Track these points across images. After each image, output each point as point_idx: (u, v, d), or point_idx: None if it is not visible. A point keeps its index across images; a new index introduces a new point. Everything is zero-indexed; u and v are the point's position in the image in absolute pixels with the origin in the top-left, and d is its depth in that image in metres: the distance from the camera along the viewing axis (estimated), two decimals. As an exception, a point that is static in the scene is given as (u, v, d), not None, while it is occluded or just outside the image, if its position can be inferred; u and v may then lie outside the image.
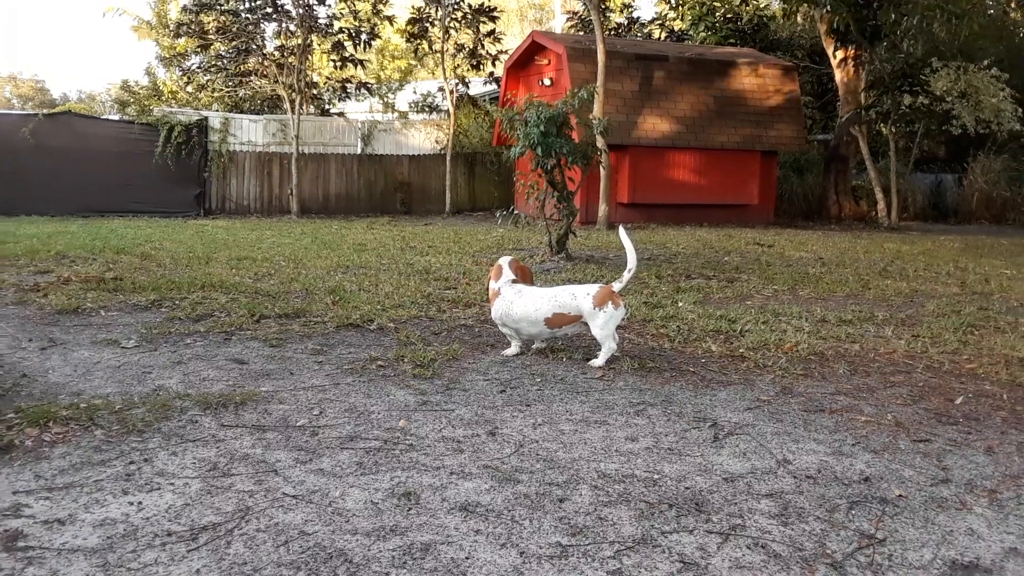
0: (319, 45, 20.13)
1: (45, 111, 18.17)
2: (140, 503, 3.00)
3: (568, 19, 24.98)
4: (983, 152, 20.72)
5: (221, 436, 3.73)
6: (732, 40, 21.92)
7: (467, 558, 2.65)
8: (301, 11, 18.17)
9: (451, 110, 19.53)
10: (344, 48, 19.80)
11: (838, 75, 19.16)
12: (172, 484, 3.18)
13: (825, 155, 20.57)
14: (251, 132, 18.24)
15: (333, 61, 20.34)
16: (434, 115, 21.92)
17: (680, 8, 23.43)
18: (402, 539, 2.77)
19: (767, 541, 2.83)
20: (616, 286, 5.17)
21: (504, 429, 3.92)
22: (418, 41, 20.00)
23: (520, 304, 5.18)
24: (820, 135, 21.83)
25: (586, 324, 5.18)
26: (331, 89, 21.69)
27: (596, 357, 5.19)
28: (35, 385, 4.45)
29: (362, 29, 19.76)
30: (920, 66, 17.71)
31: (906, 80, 17.67)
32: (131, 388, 4.44)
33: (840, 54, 18.80)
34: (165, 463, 3.38)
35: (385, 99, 24.12)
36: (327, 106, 22.15)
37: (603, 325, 5.07)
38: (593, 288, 5.16)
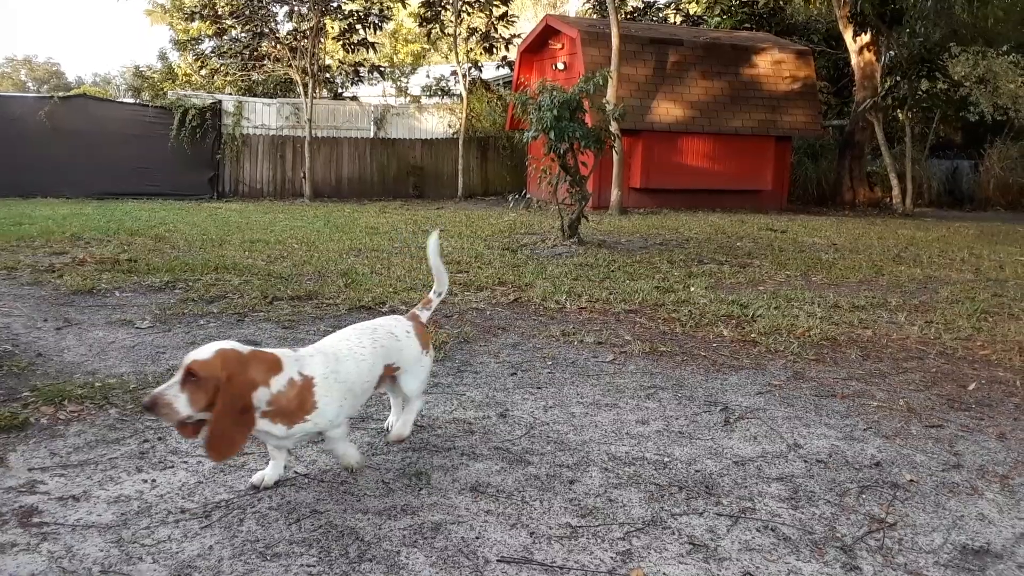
0: (332, 28, 20.09)
1: (60, 94, 18.23)
2: (154, 480, 3.03)
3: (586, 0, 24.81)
4: (1000, 138, 20.53)
5: (234, 416, 3.75)
6: (747, 24, 21.73)
7: (477, 538, 2.67)
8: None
9: (464, 94, 19.47)
10: (356, 31, 19.74)
11: (855, 60, 18.97)
12: (185, 462, 3.21)
13: (840, 141, 20.41)
14: (264, 116, 18.25)
15: (344, 44, 20.30)
16: (447, 99, 21.87)
17: (696, -8, 23.30)
18: (413, 518, 2.78)
19: (777, 524, 2.83)
20: (424, 315, 3.51)
21: (515, 411, 3.93)
22: (431, 25, 19.93)
23: (344, 368, 2.95)
24: (835, 120, 21.67)
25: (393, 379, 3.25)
26: (344, 73, 21.65)
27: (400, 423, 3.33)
28: (50, 364, 4.49)
29: (373, 11, 19.69)
30: (938, 51, 17.51)
31: (924, 65, 17.49)
32: (145, 368, 4.47)
33: (858, 39, 18.61)
34: (178, 441, 3.41)
35: (398, 83, 24.07)
36: (340, 90, 22.14)
37: (426, 377, 3.35)
38: (406, 324, 3.33)
